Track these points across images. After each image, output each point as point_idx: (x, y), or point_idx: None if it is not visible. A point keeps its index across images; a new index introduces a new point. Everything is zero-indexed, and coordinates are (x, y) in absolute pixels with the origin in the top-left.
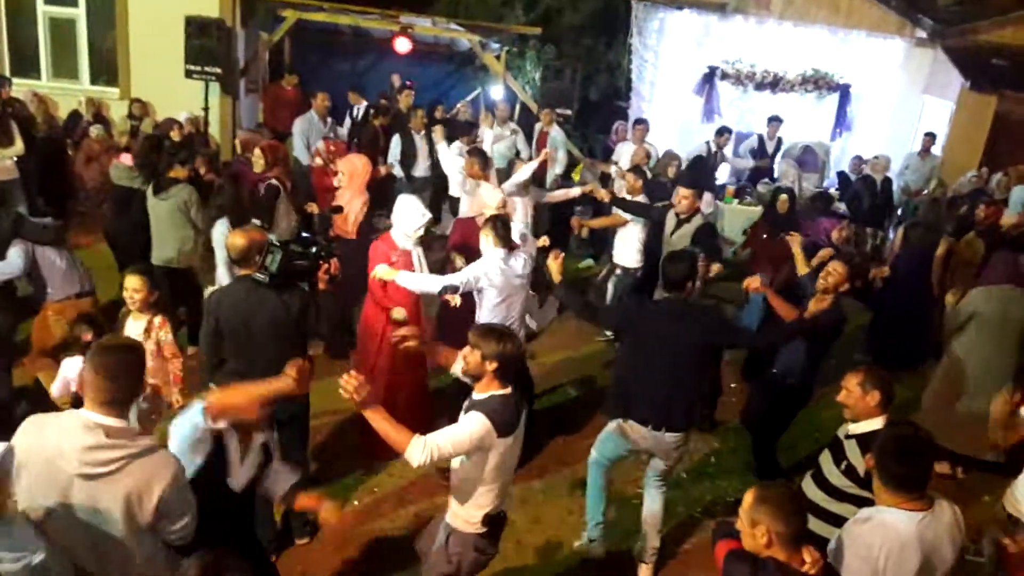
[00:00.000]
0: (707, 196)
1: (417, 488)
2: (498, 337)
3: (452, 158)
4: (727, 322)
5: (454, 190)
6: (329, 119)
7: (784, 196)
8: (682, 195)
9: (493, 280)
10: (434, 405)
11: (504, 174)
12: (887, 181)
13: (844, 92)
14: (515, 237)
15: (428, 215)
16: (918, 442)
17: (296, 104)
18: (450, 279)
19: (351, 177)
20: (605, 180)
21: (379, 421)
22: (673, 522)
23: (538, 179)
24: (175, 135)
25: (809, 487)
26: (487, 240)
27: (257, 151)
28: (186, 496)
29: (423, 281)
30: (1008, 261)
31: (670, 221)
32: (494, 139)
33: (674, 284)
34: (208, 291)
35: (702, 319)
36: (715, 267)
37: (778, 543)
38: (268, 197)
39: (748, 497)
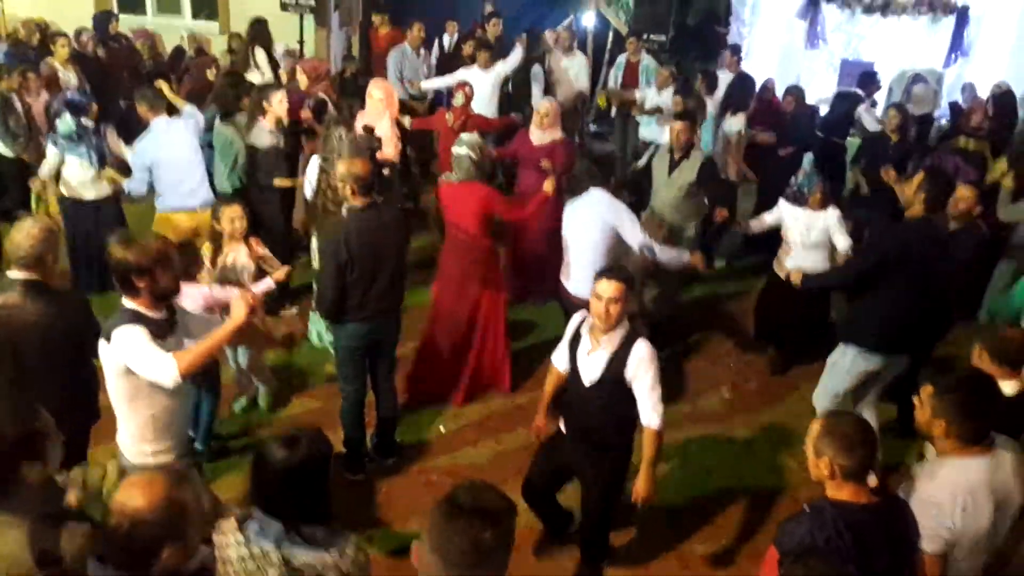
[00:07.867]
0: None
1: (497, 418)
2: None
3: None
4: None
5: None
6: (423, 51)
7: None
8: (677, 129)
9: None
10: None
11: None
12: None
13: (962, 14)
14: None
15: None
16: (991, 393)
17: (389, 46)
18: None
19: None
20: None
21: None
22: None
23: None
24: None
25: None
26: None
27: (299, 70)
28: None
29: None
30: None
31: (662, 160)
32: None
33: None
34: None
35: None
36: (722, 212)
37: (840, 475)
38: (316, 111)
39: (815, 426)
